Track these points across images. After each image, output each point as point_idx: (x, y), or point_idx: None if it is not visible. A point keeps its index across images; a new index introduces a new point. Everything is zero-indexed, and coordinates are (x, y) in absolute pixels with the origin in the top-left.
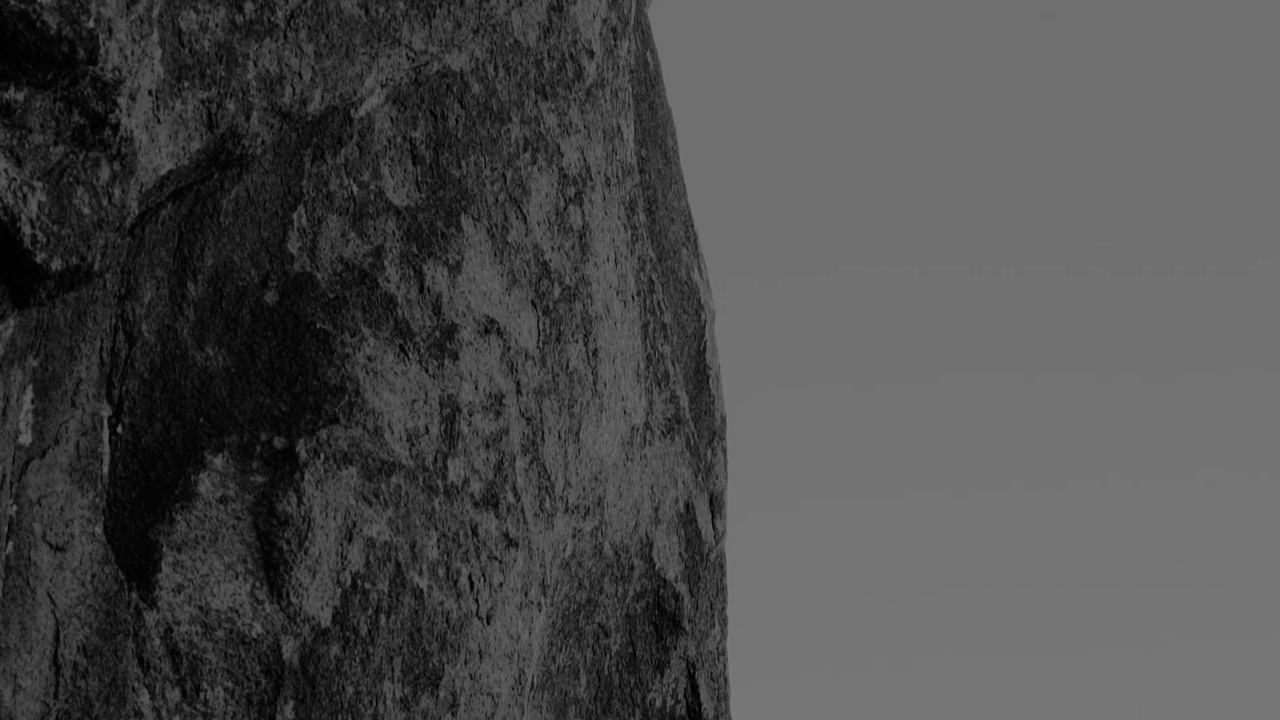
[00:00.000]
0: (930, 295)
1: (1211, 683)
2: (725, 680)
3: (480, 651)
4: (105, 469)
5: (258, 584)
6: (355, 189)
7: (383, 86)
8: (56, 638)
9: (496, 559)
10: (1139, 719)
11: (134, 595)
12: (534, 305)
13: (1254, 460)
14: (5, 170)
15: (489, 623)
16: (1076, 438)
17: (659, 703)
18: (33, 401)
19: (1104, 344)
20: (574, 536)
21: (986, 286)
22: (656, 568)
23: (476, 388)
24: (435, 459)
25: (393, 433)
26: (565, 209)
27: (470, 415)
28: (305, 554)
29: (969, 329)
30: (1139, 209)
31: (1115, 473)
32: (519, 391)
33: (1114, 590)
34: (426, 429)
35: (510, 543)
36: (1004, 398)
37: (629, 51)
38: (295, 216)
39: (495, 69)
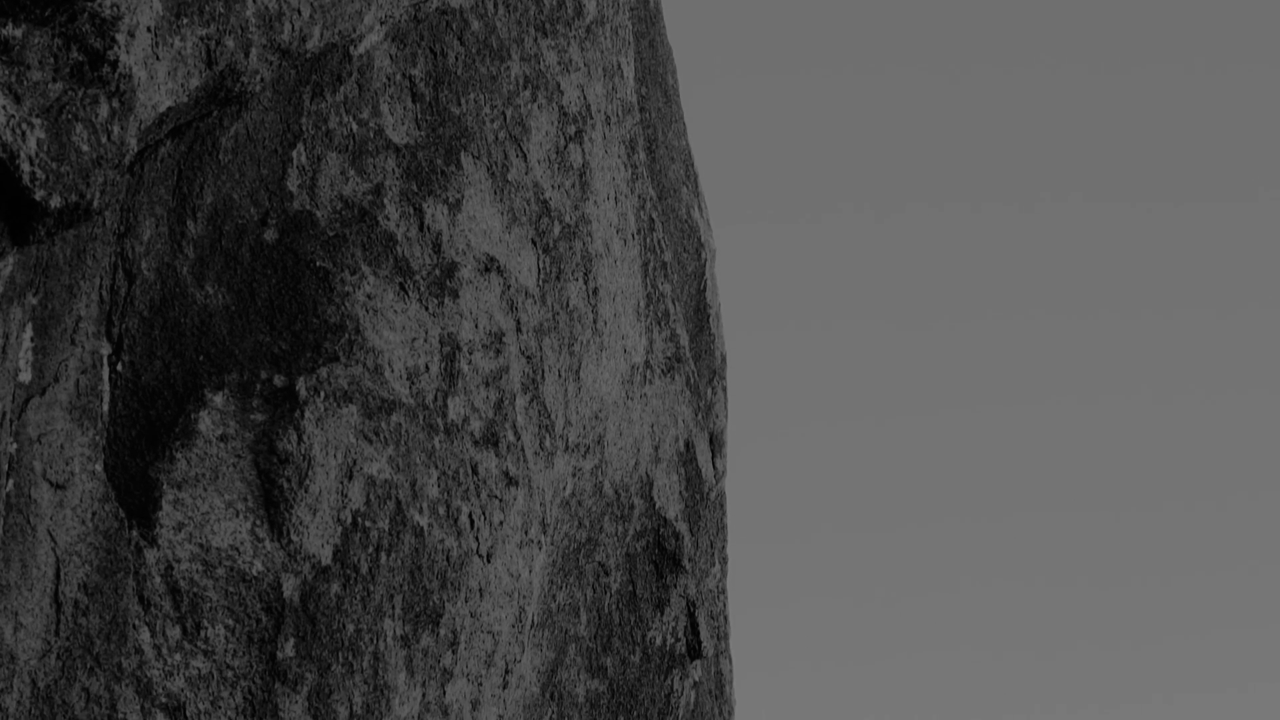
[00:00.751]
0: (932, 233)
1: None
2: (725, 618)
3: (480, 589)
4: (105, 407)
5: (258, 522)
6: (355, 126)
7: (382, 24)
8: (57, 575)
9: (497, 497)
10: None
11: (134, 533)
12: (534, 243)
13: None
14: (4, 107)
15: (489, 561)
16: (1077, 360)
17: (659, 640)
18: (32, 339)
19: (1119, 277)
20: (574, 475)
21: (992, 220)
22: (657, 506)
23: (476, 326)
24: (435, 397)
25: (393, 371)
26: (565, 147)
27: (470, 353)
28: (306, 492)
29: (971, 264)
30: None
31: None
32: (519, 330)
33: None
34: (426, 367)
35: (510, 481)
36: (1005, 330)
37: None
38: (295, 154)
39: (495, 6)
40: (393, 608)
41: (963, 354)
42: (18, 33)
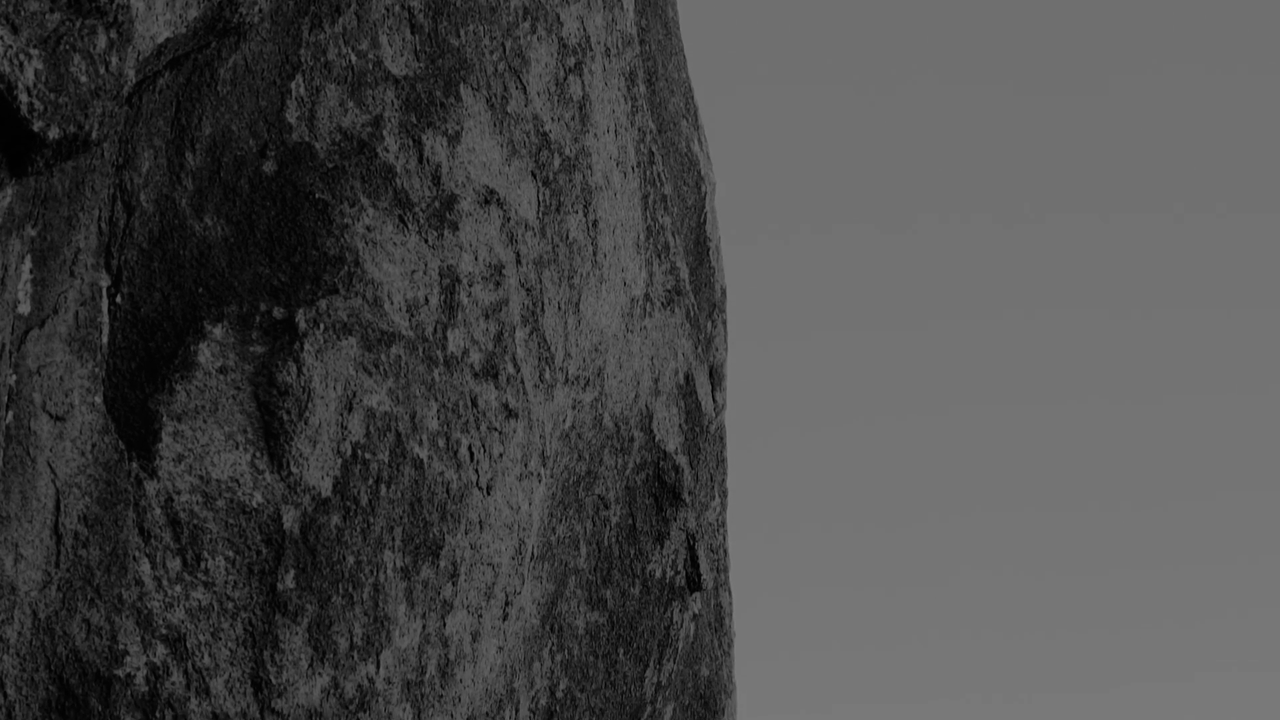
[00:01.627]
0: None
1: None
2: (725, 552)
3: (480, 522)
4: (104, 339)
5: (258, 454)
6: (353, 58)
7: None
8: (57, 507)
9: (496, 430)
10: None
11: (134, 465)
12: (534, 176)
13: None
14: (1, 38)
15: (489, 493)
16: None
17: (658, 573)
18: (31, 271)
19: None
20: (574, 408)
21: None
22: (656, 439)
23: (476, 258)
24: (435, 329)
25: (392, 303)
26: (565, 79)
27: (470, 286)
28: (305, 424)
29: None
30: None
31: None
32: (519, 262)
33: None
34: (426, 299)
35: (510, 413)
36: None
37: None
38: (293, 86)
39: None
40: (393, 539)
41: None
42: None
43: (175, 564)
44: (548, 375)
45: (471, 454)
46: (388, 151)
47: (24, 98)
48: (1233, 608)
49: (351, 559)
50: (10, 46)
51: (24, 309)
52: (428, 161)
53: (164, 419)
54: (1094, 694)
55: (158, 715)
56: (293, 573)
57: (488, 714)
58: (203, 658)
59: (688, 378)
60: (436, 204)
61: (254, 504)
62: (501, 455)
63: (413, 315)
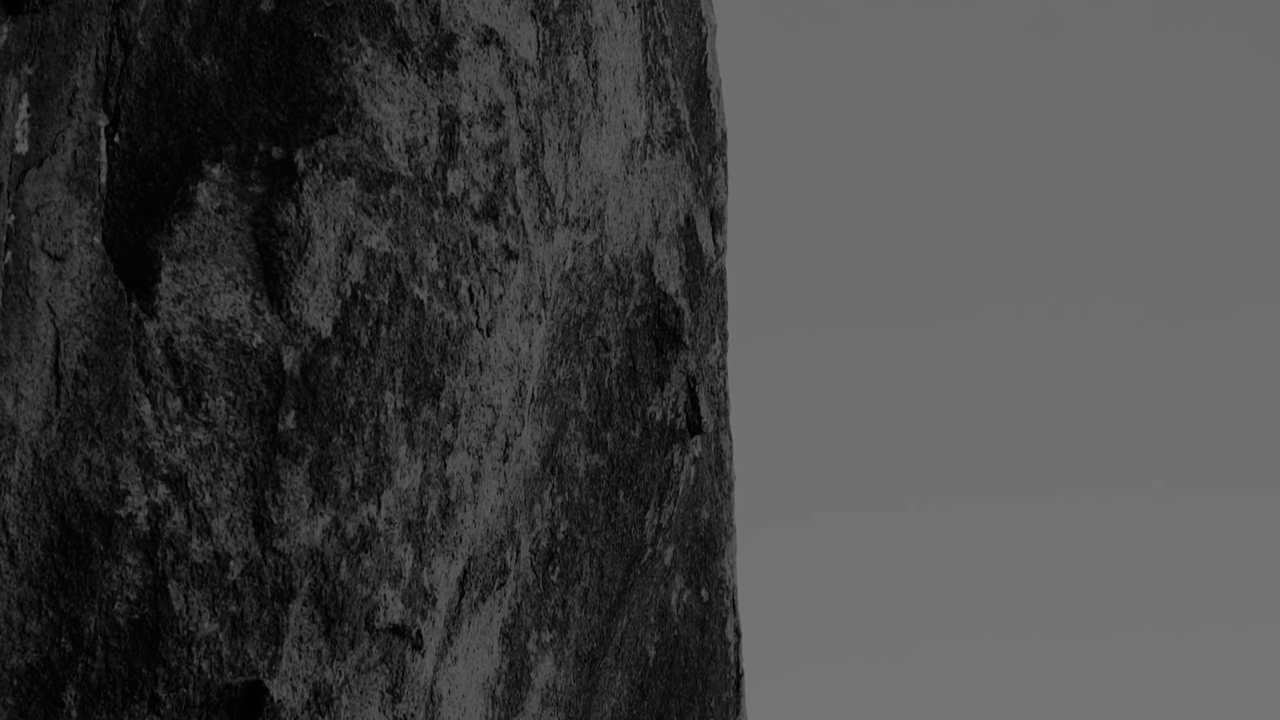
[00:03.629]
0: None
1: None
2: (725, 395)
3: (480, 363)
4: (103, 179)
5: (258, 295)
6: None
7: None
8: (57, 347)
9: (496, 271)
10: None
11: (134, 305)
12: (533, 16)
13: None
14: None
15: (489, 335)
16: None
17: (659, 416)
18: (28, 110)
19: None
20: (574, 250)
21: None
22: (657, 282)
23: (476, 99)
24: (434, 170)
25: (391, 144)
26: None
27: (469, 126)
28: (305, 265)
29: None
30: None
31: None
32: (519, 103)
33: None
34: (425, 140)
35: (510, 255)
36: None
37: None
38: None
39: None
40: (393, 381)
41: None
42: None
43: (176, 404)
44: (548, 217)
45: (471, 295)
46: None
47: None
48: None
49: (352, 400)
50: None
51: (22, 148)
52: (426, 0)
53: (163, 259)
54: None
55: (159, 555)
56: (293, 413)
57: (489, 555)
58: (204, 498)
59: (688, 220)
60: (435, 43)
61: (254, 345)
62: (501, 297)
63: (412, 156)
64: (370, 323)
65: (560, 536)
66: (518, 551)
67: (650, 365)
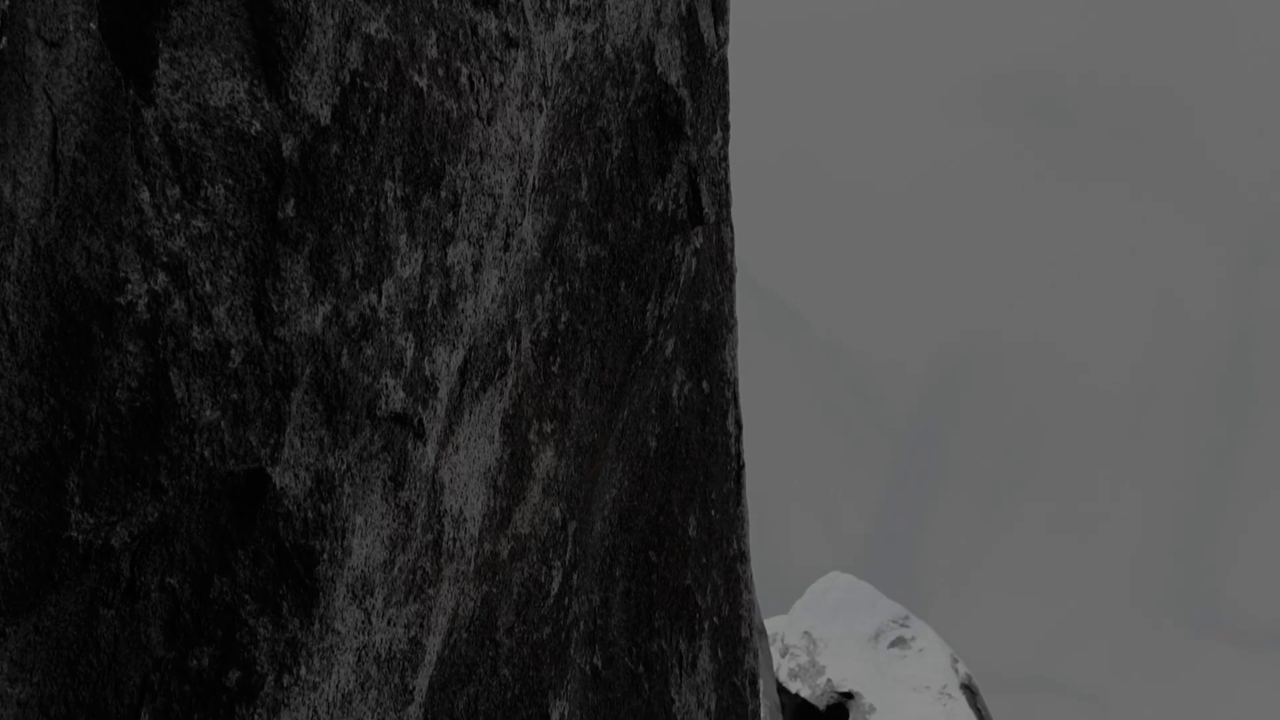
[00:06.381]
0: None
1: None
2: (726, 187)
3: (481, 152)
4: None
5: (256, 81)
6: None
7: None
8: (54, 134)
9: (496, 59)
10: None
11: (131, 92)
12: None
13: None
14: None
15: (489, 123)
16: None
17: (660, 206)
18: None
19: None
20: (575, 39)
21: None
22: (658, 72)
23: None
24: None
25: None
26: None
27: None
28: (303, 51)
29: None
30: None
31: None
32: None
33: None
34: None
35: (510, 42)
36: None
37: None
38: None
39: None
40: (393, 169)
41: None
42: None
43: (175, 192)
44: (548, 4)
45: (471, 83)
46: None
47: None
48: None
49: (351, 188)
50: None
51: None
52: None
53: (160, 46)
54: None
55: (160, 342)
56: (293, 201)
57: (490, 345)
58: (204, 285)
59: (690, 9)
60: None
61: (253, 132)
62: (502, 85)
63: None
64: (369, 110)
65: (561, 327)
66: (519, 342)
67: (651, 156)
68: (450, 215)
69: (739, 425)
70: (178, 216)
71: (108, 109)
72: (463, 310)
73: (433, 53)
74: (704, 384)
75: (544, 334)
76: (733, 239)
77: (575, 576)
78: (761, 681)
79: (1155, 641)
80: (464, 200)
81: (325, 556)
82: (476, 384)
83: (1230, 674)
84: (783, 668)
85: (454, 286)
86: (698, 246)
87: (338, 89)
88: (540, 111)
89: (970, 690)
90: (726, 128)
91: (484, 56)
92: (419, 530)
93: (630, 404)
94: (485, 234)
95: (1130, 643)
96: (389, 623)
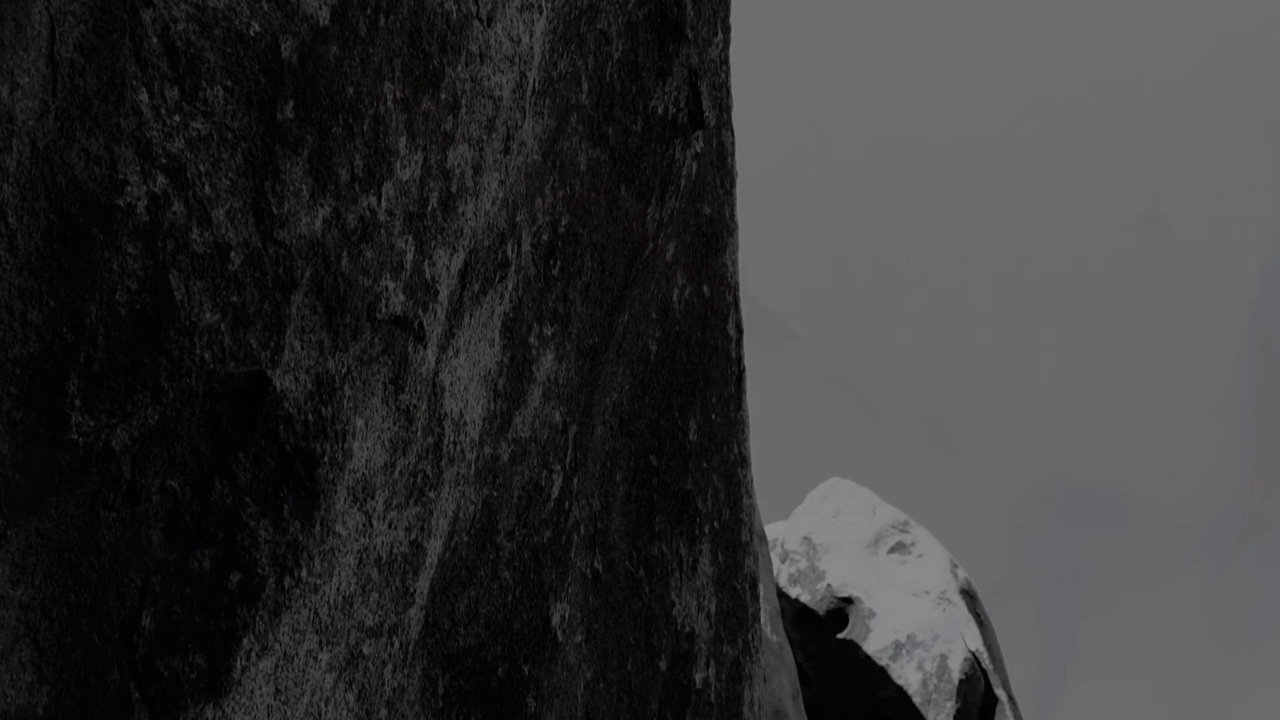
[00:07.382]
0: None
1: None
2: (727, 91)
3: (481, 54)
4: None
5: None
6: None
7: None
8: (52, 35)
9: None
10: None
11: None
12: None
13: None
14: None
15: (489, 25)
16: None
17: (660, 110)
18: None
19: None
20: None
21: None
22: None
23: None
24: None
25: None
26: None
27: None
28: None
29: None
30: None
31: None
32: None
33: None
34: None
35: None
36: None
37: None
38: None
39: None
40: (392, 71)
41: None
42: None
43: (173, 93)
44: None
45: None
46: None
47: None
48: None
49: (351, 90)
50: None
51: None
52: None
53: None
54: None
55: (159, 244)
56: (292, 103)
57: (490, 248)
58: (203, 188)
59: None
60: None
61: (251, 33)
62: None
63: None
64: (368, 11)
65: (561, 230)
66: (519, 245)
67: (652, 58)
68: (450, 117)
69: (740, 329)
70: (176, 118)
71: (106, 9)
72: (463, 213)
73: None
74: (704, 288)
75: (544, 237)
76: (733, 143)
77: (576, 480)
78: (761, 586)
79: None
80: (464, 102)
81: (326, 459)
82: (477, 287)
83: None
84: (783, 573)
85: (454, 189)
86: (698, 150)
87: None
88: (540, 13)
89: (970, 595)
90: (727, 30)
91: None
92: (419, 433)
93: (631, 308)
94: (485, 136)
95: None
96: (390, 525)
